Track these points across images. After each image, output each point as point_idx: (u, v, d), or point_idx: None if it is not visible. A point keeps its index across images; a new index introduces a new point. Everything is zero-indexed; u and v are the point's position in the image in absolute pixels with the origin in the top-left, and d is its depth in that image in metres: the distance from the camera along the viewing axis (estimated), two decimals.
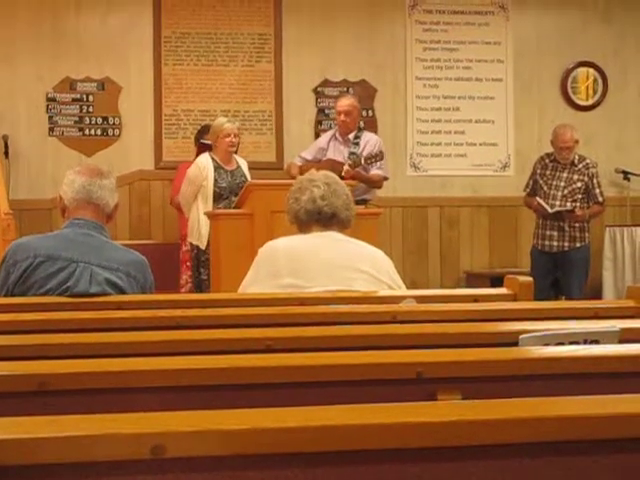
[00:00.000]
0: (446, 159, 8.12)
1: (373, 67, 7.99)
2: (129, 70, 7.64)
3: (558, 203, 6.66)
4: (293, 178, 3.94)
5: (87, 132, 7.61)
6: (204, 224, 6.05)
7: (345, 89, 7.87)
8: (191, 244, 6.27)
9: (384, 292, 3.16)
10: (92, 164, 6.40)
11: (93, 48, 7.57)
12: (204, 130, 6.84)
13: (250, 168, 6.48)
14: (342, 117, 6.61)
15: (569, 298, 6.55)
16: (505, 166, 8.20)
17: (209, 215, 5.77)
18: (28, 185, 7.46)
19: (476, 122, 8.15)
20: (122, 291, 3.13)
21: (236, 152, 6.46)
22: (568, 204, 6.64)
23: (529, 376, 1.77)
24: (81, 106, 7.60)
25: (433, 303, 2.94)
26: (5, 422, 1.18)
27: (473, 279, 7.94)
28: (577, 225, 6.67)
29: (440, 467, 1.22)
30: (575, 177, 6.71)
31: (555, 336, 2.07)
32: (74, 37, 7.55)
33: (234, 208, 5.62)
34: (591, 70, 8.33)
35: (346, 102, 6.68)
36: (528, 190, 6.93)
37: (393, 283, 3.29)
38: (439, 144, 8.11)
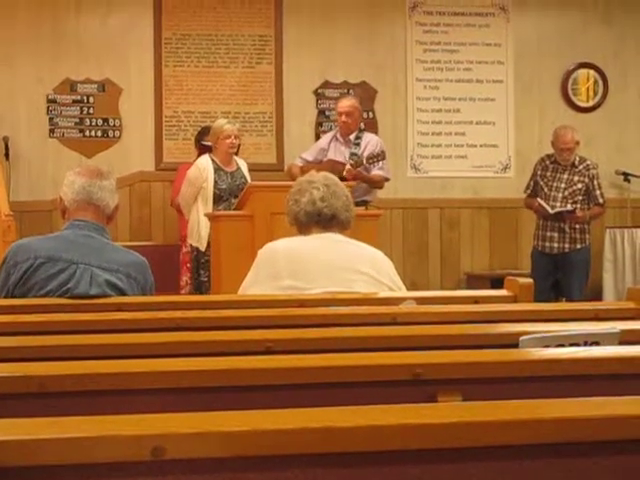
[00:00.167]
0: (446, 160, 8.12)
1: (373, 68, 7.99)
2: (129, 71, 7.64)
3: (558, 204, 6.66)
4: (294, 179, 3.94)
5: (87, 133, 7.61)
6: (204, 226, 6.05)
7: (345, 91, 7.87)
8: (191, 246, 6.27)
9: (384, 293, 3.16)
10: (92, 165, 6.41)
11: (93, 49, 7.57)
12: (204, 132, 6.84)
13: (250, 170, 6.48)
14: (343, 118, 6.61)
15: (569, 300, 6.55)
16: (506, 167, 8.20)
17: (209, 217, 5.77)
18: (28, 187, 7.46)
19: (476, 124, 8.15)
20: (122, 292, 3.13)
21: (237, 154, 6.46)
22: (569, 205, 6.64)
23: (529, 378, 1.77)
24: (81, 107, 7.60)
25: (433, 305, 2.94)
26: (5, 423, 1.18)
27: (473, 281, 7.94)
28: (577, 227, 6.67)
29: (440, 469, 1.22)
30: (575, 178, 6.71)
31: (555, 338, 2.07)
32: (74, 38, 7.56)
33: (235, 210, 5.62)
34: (591, 72, 8.33)
35: (347, 103, 6.69)
36: (529, 191, 6.93)
37: (393, 284, 3.29)
38: (439, 145, 8.11)
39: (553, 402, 1.34)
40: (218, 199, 6.12)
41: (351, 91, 7.84)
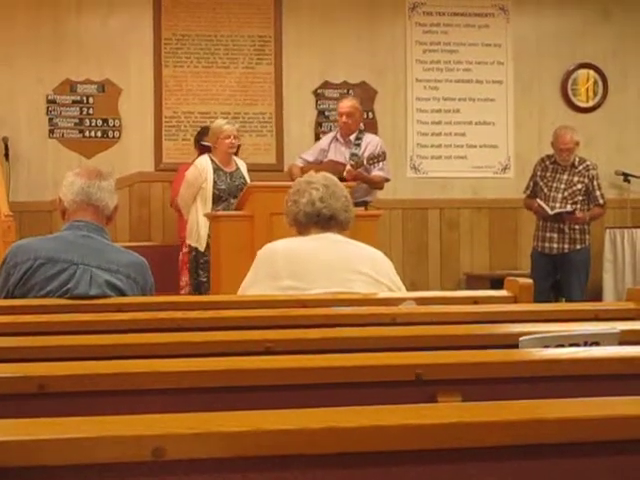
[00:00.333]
0: (446, 161, 8.12)
1: (373, 69, 8.00)
2: (129, 72, 7.64)
3: (558, 205, 6.66)
4: (294, 180, 3.94)
5: (87, 134, 7.61)
6: (203, 226, 6.06)
7: (345, 91, 7.87)
8: (190, 246, 6.26)
9: (384, 294, 3.16)
10: (91, 166, 6.41)
11: (93, 50, 7.57)
12: (204, 132, 6.84)
13: (250, 170, 6.48)
14: (344, 118, 6.61)
15: (569, 300, 6.55)
16: (505, 168, 8.20)
17: (209, 217, 5.77)
18: (28, 187, 7.46)
19: (476, 124, 8.15)
20: (122, 293, 3.13)
21: (237, 154, 6.46)
22: (568, 206, 6.64)
23: (529, 378, 1.77)
24: (81, 108, 7.60)
25: (433, 305, 2.94)
26: (5, 424, 1.18)
27: (473, 281, 7.94)
28: (577, 227, 6.67)
29: (440, 469, 1.22)
30: (575, 179, 6.71)
31: (555, 338, 2.07)
32: (74, 39, 7.56)
33: (234, 210, 5.62)
34: (591, 72, 8.33)
35: (348, 103, 6.69)
36: (528, 192, 6.93)
37: (393, 285, 3.29)
38: (439, 146, 8.11)
39: (553, 402, 1.34)
40: (217, 199, 6.12)
41: (351, 91, 7.84)
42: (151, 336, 2.21)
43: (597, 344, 2.08)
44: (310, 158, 6.71)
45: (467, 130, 8.13)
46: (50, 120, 7.55)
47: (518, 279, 3.13)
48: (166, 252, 7.05)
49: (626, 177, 8.11)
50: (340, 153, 6.58)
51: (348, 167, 6.24)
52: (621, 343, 2.09)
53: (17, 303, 2.97)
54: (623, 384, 1.77)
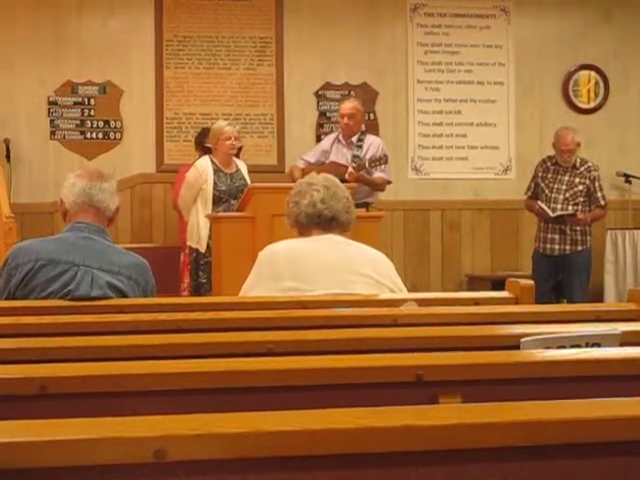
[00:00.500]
0: (447, 162, 8.12)
1: (374, 70, 8.00)
2: (131, 73, 7.65)
3: (560, 206, 6.66)
4: (295, 181, 3.95)
5: (88, 135, 7.61)
6: (203, 227, 6.05)
7: (346, 92, 7.87)
8: (190, 247, 6.26)
9: (385, 295, 3.16)
10: (93, 167, 6.41)
11: (95, 51, 7.58)
12: (204, 133, 6.83)
13: (251, 171, 6.48)
14: (345, 120, 6.61)
15: (571, 301, 6.55)
16: (507, 169, 8.20)
17: (211, 218, 5.77)
18: (29, 189, 7.46)
19: (477, 125, 8.15)
20: (123, 294, 3.13)
21: (238, 156, 6.46)
22: (570, 207, 6.64)
23: (530, 379, 1.77)
24: (82, 109, 7.60)
25: (434, 306, 2.94)
26: (6, 425, 1.18)
27: (474, 282, 7.94)
28: (578, 228, 6.67)
29: (441, 470, 1.22)
30: (577, 180, 6.71)
31: (556, 339, 2.07)
32: (76, 40, 7.56)
33: (236, 211, 5.62)
34: (593, 73, 8.33)
35: (349, 105, 6.69)
36: (529, 193, 6.93)
37: (394, 286, 3.29)
38: (440, 147, 8.11)
39: (554, 403, 1.34)
40: (217, 200, 6.12)
41: (352, 93, 7.84)
42: (152, 337, 2.21)
43: (598, 345, 2.08)
44: (311, 159, 6.71)
45: (468, 131, 8.13)
46: (51, 121, 7.55)
47: (519, 280, 3.13)
48: (167, 254, 7.05)
49: (627, 178, 8.10)
50: (342, 155, 6.58)
51: (350, 169, 6.24)
52: (622, 344, 2.09)
53: (18, 304, 2.98)
54: (624, 385, 1.77)
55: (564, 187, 6.70)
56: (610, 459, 1.25)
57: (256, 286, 3.24)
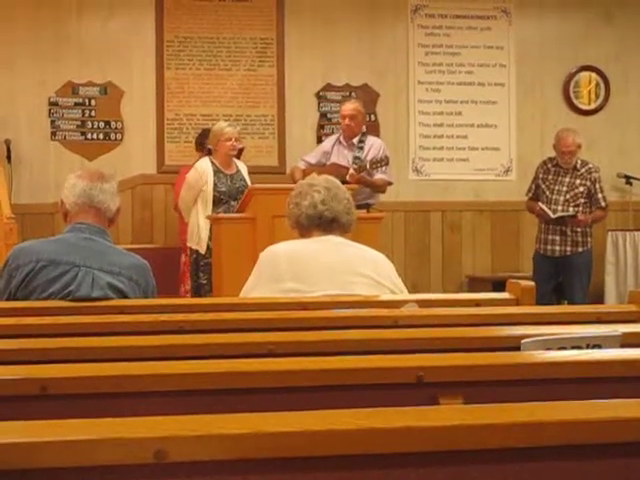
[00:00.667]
0: (448, 163, 8.12)
1: (375, 71, 8.00)
2: (131, 74, 7.65)
3: (560, 208, 6.66)
4: (296, 182, 3.95)
5: (89, 136, 7.62)
6: (204, 228, 6.05)
7: (347, 93, 7.87)
8: (190, 249, 6.25)
9: (386, 296, 3.16)
10: (93, 168, 6.41)
11: (95, 52, 7.58)
12: (205, 134, 6.83)
13: (252, 172, 6.48)
14: (347, 121, 6.61)
15: (571, 303, 6.55)
16: (507, 170, 8.20)
17: (211, 219, 5.77)
18: (30, 189, 7.47)
19: (478, 126, 8.15)
20: (124, 295, 3.13)
21: (239, 157, 6.46)
22: (570, 209, 6.64)
23: (531, 380, 1.77)
24: (83, 110, 7.60)
25: (435, 307, 2.94)
26: (7, 426, 1.18)
27: (475, 283, 7.93)
28: (579, 230, 6.67)
29: (442, 471, 1.22)
30: (577, 182, 6.71)
31: (557, 340, 2.07)
32: (76, 41, 7.56)
33: (236, 212, 5.62)
34: (593, 74, 8.33)
35: (351, 106, 6.69)
36: (530, 195, 6.93)
37: (395, 287, 3.29)
38: (441, 148, 8.11)
39: (555, 405, 1.34)
40: (218, 202, 6.11)
41: (353, 94, 7.84)
42: (153, 338, 2.21)
43: (599, 347, 2.08)
44: (312, 160, 6.71)
45: (469, 132, 8.14)
46: (52, 122, 7.55)
47: (520, 281, 3.13)
48: (168, 254, 7.05)
49: (628, 179, 8.10)
50: (343, 156, 6.58)
51: (351, 171, 6.24)
52: (623, 345, 2.09)
53: (19, 305, 2.98)
54: (625, 386, 1.77)
55: (565, 188, 6.70)
56: (610, 460, 1.25)
57: (257, 287, 3.24)
